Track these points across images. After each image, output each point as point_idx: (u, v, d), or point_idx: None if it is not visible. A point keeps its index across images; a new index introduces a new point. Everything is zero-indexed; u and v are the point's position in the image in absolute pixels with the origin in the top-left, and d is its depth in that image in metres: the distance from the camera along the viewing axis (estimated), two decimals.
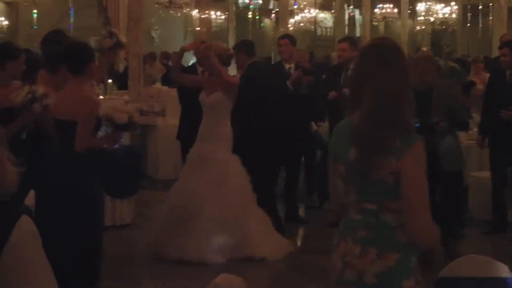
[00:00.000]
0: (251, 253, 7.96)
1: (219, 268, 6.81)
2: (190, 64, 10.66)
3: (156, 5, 22.24)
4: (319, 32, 27.29)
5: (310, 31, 26.26)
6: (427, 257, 7.20)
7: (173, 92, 10.28)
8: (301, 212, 10.30)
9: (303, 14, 26.57)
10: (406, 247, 3.32)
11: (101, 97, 10.21)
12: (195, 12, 23.85)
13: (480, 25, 26.63)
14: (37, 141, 6.54)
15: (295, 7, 25.73)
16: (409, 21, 26.62)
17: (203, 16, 19.74)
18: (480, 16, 26.70)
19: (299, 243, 9.46)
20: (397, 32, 25.36)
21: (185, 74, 8.64)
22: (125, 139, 8.92)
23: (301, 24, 26.40)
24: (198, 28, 22.42)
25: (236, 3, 26.42)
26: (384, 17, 26.79)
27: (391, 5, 26.27)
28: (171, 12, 23.48)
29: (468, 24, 26.59)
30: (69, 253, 5.75)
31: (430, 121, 7.45)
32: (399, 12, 25.93)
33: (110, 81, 13.82)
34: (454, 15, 26.04)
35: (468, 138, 9.71)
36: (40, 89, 6.22)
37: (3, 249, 2.54)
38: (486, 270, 4.02)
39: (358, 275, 3.33)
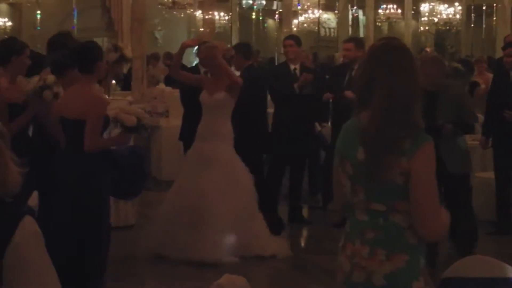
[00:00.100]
0: (261, 252, 8.02)
1: (222, 268, 6.81)
2: (193, 64, 10.66)
3: (159, 6, 22.25)
4: (322, 32, 27.26)
5: (314, 31, 26.23)
6: (433, 249, 7.22)
7: (176, 93, 10.27)
8: (305, 212, 10.29)
9: (306, 15, 26.56)
10: (415, 248, 3.32)
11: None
12: (198, 13, 23.87)
13: (484, 26, 26.58)
14: (43, 140, 6.55)
15: (299, 7, 25.72)
16: (413, 22, 26.58)
17: (206, 17, 19.76)
18: (484, 17, 26.65)
19: (302, 244, 9.47)
20: (401, 33, 25.32)
21: (185, 71, 8.62)
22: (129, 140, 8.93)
23: (305, 25, 26.39)
24: (201, 29, 22.42)
25: (240, 4, 26.41)
26: (388, 18, 26.77)
27: (395, 6, 26.24)
28: (175, 13, 23.49)
29: (472, 25, 26.54)
30: (73, 253, 5.75)
31: (435, 123, 7.39)
32: (402, 13, 25.91)
33: (113, 81, 13.81)
34: (458, 16, 26.01)
35: (471, 138, 9.69)
36: (51, 77, 6.24)
37: (7, 249, 2.54)
38: (490, 270, 4.01)
39: (367, 277, 3.32)
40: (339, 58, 15.58)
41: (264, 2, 27.00)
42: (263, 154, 10.09)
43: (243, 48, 9.88)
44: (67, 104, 6.06)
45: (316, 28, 25.96)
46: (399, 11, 26.23)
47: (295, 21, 25.05)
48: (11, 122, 6.34)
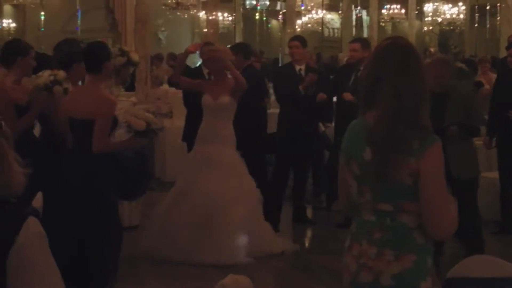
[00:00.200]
0: (269, 250, 8.13)
1: (225, 268, 6.81)
2: (197, 65, 10.66)
3: (163, 7, 22.24)
4: (326, 33, 27.23)
5: (317, 32, 26.21)
6: (438, 249, 7.17)
7: (180, 93, 10.27)
8: (309, 213, 10.29)
9: (310, 15, 26.54)
10: (422, 248, 3.32)
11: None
12: (202, 14, 23.86)
13: (488, 26, 26.55)
14: (49, 140, 6.56)
15: (302, 8, 25.71)
16: (417, 22, 26.54)
17: (210, 18, 19.76)
18: (487, 17, 26.62)
19: (306, 244, 9.47)
20: (405, 33, 25.26)
21: (185, 77, 8.61)
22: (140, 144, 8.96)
23: (308, 25, 26.36)
24: (205, 30, 22.42)
25: (243, 4, 26.40)
26: (392, 18, 26.73)
27: (399, 6, 26.21)
28: (178, 13, 23.46)
29: (476, 25, 26.50)
30: (78, 254, 5.76)
31: (441, 125, 7.29)
32: (406, 13, 25.87)
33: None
34: (461, 16, 25.97)
35: (475, 138, 9.67)
36: (61, 73, 6.25)
37: (10, 250, 2.54)
38: (494, 270, 4.01)
39: (374, 277, 3.32)
40: (343, 58, 15.56)
41: (267, 3, 26.96)
42: (266, 155, 10.12)
43: (243, 48, 9.90)
44: (75, 104, 6.07)
45: (320, 28, 25.94)
46: (403, 11, 26.19)
47: (299, 22, 25.07)
48: (21, 118, 6.36)
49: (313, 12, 26.40)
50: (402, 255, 3.29)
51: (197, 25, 25.18)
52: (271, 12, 27.94)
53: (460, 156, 7.34)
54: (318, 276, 7.71)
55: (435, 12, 26.09)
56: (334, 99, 10.17)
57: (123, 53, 8.15)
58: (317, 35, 26.19)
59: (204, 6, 23.21)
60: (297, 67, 9.71)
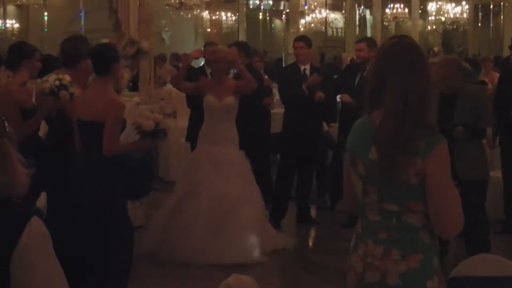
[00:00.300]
0: (274, 246, 8.19)
1: (228, 268, 6.81)
2: (201, 65, 10.67)
3: (166, 7, 22.24)
4: (330, 32, 27.20)
5: (321, 31, 26.18)
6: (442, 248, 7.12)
7: (183, 94, 10.28)
8: (313, 212, 10.29)
9: (313, 15, 26.51)
10: (429, 247, 3.32)
11: None
12: (205, 14, 23.84)
13: (491, 25, 26.51)
14: (56, 141, 6.57)
15: (306, 7, 25.68)
16: (420, 21, 26.51)
17: (213, 18, 19.77)
18: (491, 16, 26.58)
19: (310, 244, 9.47)
20: (408, 32, 25.23)
21: (186, 82, 8.60)
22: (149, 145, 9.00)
23: (312, 25, 26.33)
24: (208, 30, 22.41)
25: (247, 4, 26.39)
26: (395, 17, 26.70)
27: (402, 5, 26.18)
28: (182, 13, 23.45)
29: (479, 24, 26.45)
30: (83, 255, 5.76)
31: (447, 125, 7.14)
32: (409, 12, 25.84)
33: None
34: (465, 15, 25.91)
35: None
36: (67, 77, 6.26)
37: (14, 251, 2.54)
38: (498, 269, 4.01)
39: (381, 276, 3.32)
40: (346, 58, 15.56)
41: (271, 3, 26.95)
42: (271, 155, 10.14)
43: (246, 47, 9.92)
44: (83, 106, 6.07)
45: (323, 28, 25.91)
46: (406, 10, 26.18)
47: (302, 21, 25.02)
48: (26, 121, 6.37)
49: (317, 11, 26.36)
50: (409, 254, 3.29)
51: (200, 25, 25.17)
52: (275, 12, 27.93)
53: (469, 157, 7.20)
54: (322, 275, 7.71)
55: (439, 11, 26.05)
56: (338, 99, 10.16)
57: (133, 42, 8.18)
58: (321, 34, 26.15)
59: (208, 6, 23.19)
60: (302, 67, 9.71)
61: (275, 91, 10.87)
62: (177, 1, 21.91)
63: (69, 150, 6.24)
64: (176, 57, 18.19)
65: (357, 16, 27.20)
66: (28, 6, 23.66)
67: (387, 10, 26.30)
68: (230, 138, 8.23)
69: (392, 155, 3.23)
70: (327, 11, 26.17)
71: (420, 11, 25.83)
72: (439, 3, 25.87)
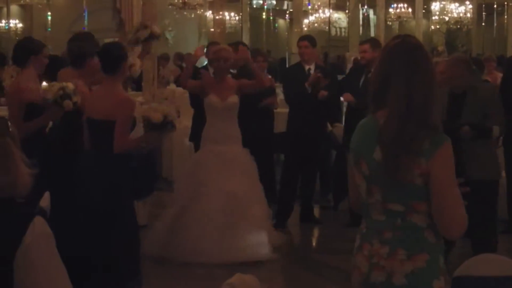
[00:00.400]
0: (274, 243, 8.13)
1: (232, 268, 6.81)
2: (204, 64, 10.67)
3: (170, 7, 22.22)
4: (333, 32, 27.19)
5: (324, 31, 26.16)
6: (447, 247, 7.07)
7: (187, 93, 10.29)
8: (316, 212, 10.29)
9: (317, 15, 26.50)
10: (435, 247, 3.32)
11: None
12: (209, 13, 23.85)
13: (495, 24, 26.49)
14: (62, 140, 6.57)
15: (309, 7, 25.67)
16: (424, 21, 26.50)
17: (217, 17, 19.78)
18: (495, 15, 26.56)
19: (313, 244, 9.47)
20: (412, 32, 25.19)
21: (192, 80, 8.60)
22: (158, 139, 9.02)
23: (315, 25, 26.32)
24: (212, 29, 22.43)
25: (250, 4, 26.38)
26: (399, 17, 26.67)
27: (405, 5, 26.16)
28: (185, 13, 23.44)
29: (483, 24, 26.44)
30: (87, 254, 5.75)
31: (453, 124, 7.04)
32: (413, 12, 25.81)
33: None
34: (468, 15, 25.89)
35: None
36: (70, 85, 6.27)
37: (17, 251, 2.54)
38: (501, 269, 4.00)
39: (387, 276, 3.31)
40: (350, 58, 15.54)
41: (274, 2, 26.94)
42: (274, 154, 10.14)
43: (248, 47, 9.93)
44: (93, 105, 6.08)
45: (327, 27, 25.90)
46: (410, 10, 26.15)
47: (306, 21, 25.03)
48: (29, 122, 6.37)
49: (320, 11, 26.34)
50: (414, 254, 3.29)
51: (204, 25, 25.17)
52: (278, 11, 27.93)
53: (478, 157, 7.09)
54: (325, 275, 7.71)
55: (442, 11, 26.02)
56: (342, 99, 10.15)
57: (146, 26, 8.21)
58: (324, 34, 26.14)
59: (211, 6, 23.21)
60: (306, 67, 9.71)
61: (279, 90, 10.87)
62: (181, 0, 21.89)
63: (74, 149, 6.24)
64: (179, 56, 18.18)
65: (361, 16, 27.21)
66: (32, 6, 23.70)
67: (391, 10, 26.27)
68: (234, 137, 8.24)
69: (396, 155, 3.22)
70: (331, 10, 26.15)
71: (423, 11, 25.82)
72: (443, 2, 25.85)
